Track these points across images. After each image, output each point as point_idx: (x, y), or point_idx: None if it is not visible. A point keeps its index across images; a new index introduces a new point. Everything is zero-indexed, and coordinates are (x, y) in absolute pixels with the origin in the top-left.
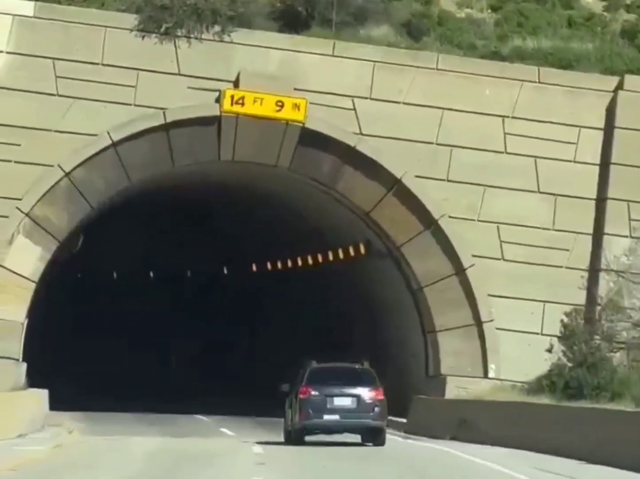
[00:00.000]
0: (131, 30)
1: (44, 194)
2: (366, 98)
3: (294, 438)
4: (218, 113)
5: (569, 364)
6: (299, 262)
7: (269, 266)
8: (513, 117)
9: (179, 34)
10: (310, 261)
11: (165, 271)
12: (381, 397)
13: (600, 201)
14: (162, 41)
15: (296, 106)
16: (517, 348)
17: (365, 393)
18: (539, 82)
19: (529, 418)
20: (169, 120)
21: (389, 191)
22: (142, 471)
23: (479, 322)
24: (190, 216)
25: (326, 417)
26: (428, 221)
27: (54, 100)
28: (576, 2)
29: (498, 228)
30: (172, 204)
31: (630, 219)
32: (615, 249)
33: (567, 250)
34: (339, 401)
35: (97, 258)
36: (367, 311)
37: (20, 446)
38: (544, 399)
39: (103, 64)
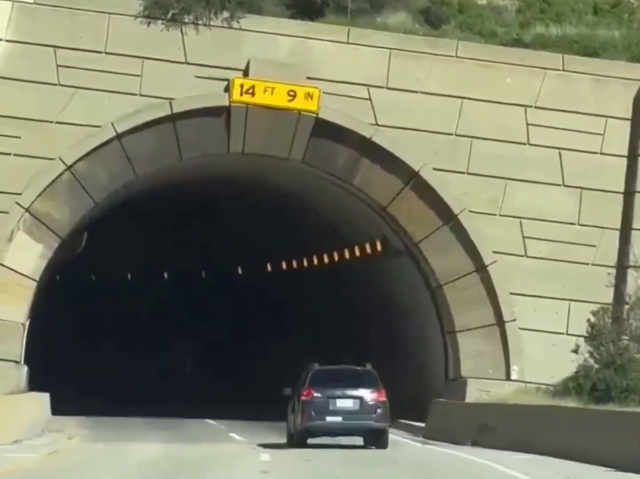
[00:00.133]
0: (136, 16)
1: (45, 189)
2: (382, 87)
3: (297, 440)
4: (227, 103)
5: (596, 366)
6: (314, 259)
7: (283, 264)
8: (536, 107)
9: (186, 20)
10: (324, 259)
11: (169, 269)
12: (383, 399)
13: (628, 195)
14: (169, 28)
15: (309, 96)
16: (542, 349)
17: (368, 395)
18: (563, 70)
19: (555, 422)
20: (175, 111)
21: (406, 184)
22: None
23: (501, 322)
24: (196, 211)
25: (329, 419)
26: (447, 216)
27: (55, 91)
28: None
29: (521, 223)
30: (177, 199)
31: None
32: None
33: (594, 246)
34: (342, 403)
35: (99, 257)
36: (384, 309)
37: (13, 452)
38: (570, 403)
39: (107, 52)
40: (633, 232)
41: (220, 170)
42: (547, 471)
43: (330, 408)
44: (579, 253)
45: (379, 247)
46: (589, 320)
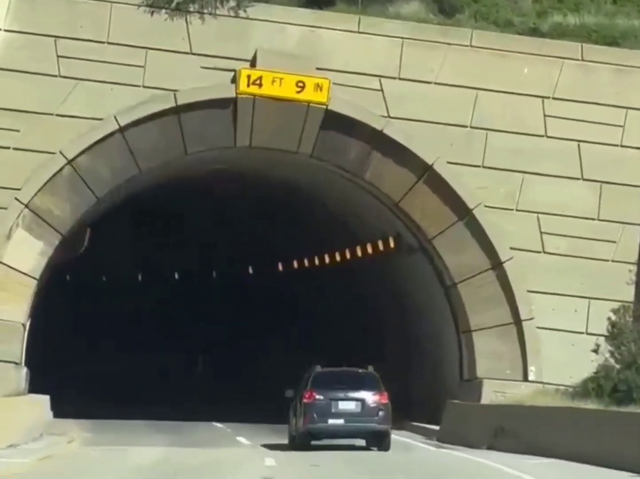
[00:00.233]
0: (139, 5)
1: (45, 184)
2: (394, 78)
3: (298, 442)
4: (234, 95)
5: (617, 366)
6: (325, 257)
7: (294, 263)
8: (554, 98)
9: (191, 9)
10: (336, 257)
11: (170, 268)
12: (385, 401)
13: None
14: (173, 17)
15: (318, 87)
16: (560, 349)
17: (370, 397)
18: (582, 60)
19: (574, 425)
20: (180, 103)
21: (420, 178)
22: None
23: (517, 321)
24: (201, 207)
25: (331, 421)
26: (462, 211)
27: (55, 82)
28: None
29: (538, 218)
30: (181, 195)
31: None
32: None
33: (614, 242)
34: (344, 405)
35: (99, 255)
36: (397, 307)
37: (5, 457)
38: (590, 404)
39: (109, 43)
40: None
41: (226, 164)
42: (562, 476)
43: (333, 410)
44: (599, 249)
45: (391, 244)
46: (609, 318)
